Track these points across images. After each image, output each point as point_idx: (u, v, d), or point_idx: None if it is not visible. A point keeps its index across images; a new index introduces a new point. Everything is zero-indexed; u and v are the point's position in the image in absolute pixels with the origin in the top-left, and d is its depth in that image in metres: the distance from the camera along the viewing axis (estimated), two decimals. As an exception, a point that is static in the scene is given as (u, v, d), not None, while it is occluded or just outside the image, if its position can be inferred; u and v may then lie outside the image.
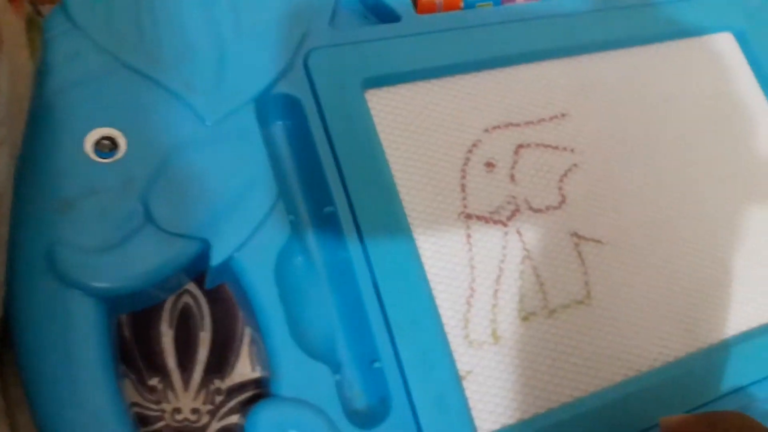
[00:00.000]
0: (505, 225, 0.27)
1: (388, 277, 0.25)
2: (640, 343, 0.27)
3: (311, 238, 0.26)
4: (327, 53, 0.27)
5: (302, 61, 0.27)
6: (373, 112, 0.27)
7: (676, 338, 0.28)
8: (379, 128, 0.27)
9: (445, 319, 0.25)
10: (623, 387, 0.26)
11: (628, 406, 0.26)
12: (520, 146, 0.29)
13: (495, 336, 0.26)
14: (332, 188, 0.25)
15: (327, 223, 0.26)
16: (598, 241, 0.29)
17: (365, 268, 0.25)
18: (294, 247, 0.25)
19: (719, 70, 0.35)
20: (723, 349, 0.28)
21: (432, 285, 0.26)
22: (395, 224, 0.25)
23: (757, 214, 0.32)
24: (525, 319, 0.26)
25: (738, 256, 0.31)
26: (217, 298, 0.25)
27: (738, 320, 0.30)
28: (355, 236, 0.25)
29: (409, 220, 0.26)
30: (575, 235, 0.28)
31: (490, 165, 0.28)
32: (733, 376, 0.28)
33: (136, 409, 0.23)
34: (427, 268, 0.26)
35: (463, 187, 0.28)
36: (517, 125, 0.29)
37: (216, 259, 0.23)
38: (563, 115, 0.30)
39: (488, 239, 0.27)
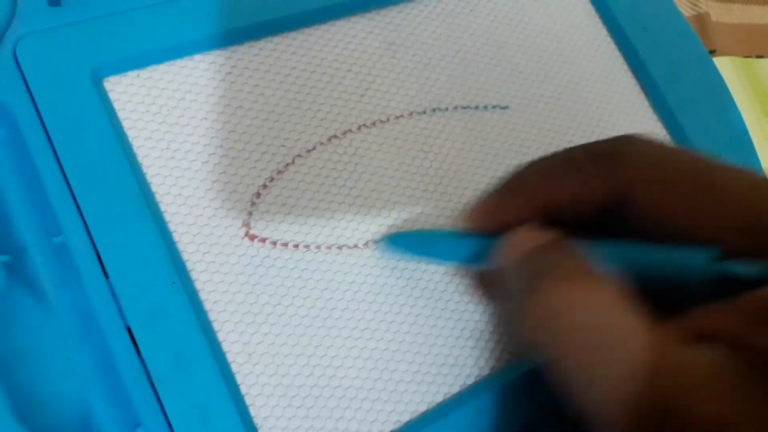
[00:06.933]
0: (296, 247, 0.22)
1: (146, 318, 0.19)
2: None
3: (43, 277, 0.20)
4: (45, 39, 0.21)
5: (10, 53, 0.21)
6: (116, 105, 0.21)
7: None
8: (126, 126, 0.21)
9: (230, 357, 0.20)
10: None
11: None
12: (334, 137, 0.24)
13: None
14: (59, 211, 0.20)
15: (59, 256, 0.20)
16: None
17: (113, 310, 0.19)
18: (15, 293, 0.20)
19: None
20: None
21: (211, 317, 0.20)
22: (151, 249, 0.20)
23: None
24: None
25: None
26: None
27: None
28: (95, 271, 0.19)
29: (175, 238, 0.21)
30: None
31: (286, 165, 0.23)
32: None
33: None
34: (202, 297, 0.20)
35: (246, 197, 0.22)
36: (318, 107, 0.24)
37: None
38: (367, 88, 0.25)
39: (277, 263, 0.22)
